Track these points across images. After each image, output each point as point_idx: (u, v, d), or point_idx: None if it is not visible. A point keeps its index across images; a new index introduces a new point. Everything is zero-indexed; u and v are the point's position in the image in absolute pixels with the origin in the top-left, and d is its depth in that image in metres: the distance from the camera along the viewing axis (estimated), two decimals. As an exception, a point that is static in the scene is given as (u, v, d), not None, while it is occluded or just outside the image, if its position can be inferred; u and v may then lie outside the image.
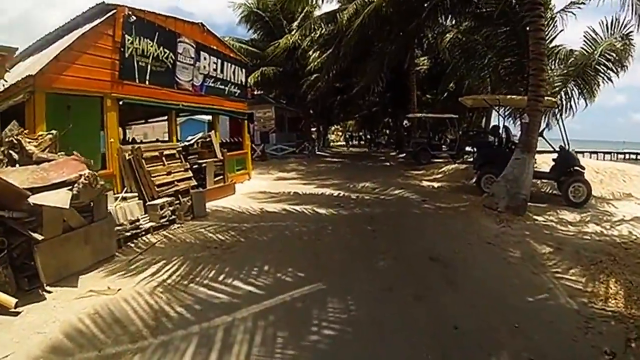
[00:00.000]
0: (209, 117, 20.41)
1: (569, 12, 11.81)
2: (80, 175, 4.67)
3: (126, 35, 7.70)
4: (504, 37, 12.52)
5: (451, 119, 18.85)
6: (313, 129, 34.27)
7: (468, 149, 17.29)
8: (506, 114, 13.90)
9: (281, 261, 4.75)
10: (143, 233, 6.15)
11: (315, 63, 20.45)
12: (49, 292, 3.99)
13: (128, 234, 5.87)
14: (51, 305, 3.72)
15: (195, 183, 8.22)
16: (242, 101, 12.75)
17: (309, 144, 24.75)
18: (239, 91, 12.22)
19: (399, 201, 9.06)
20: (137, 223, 6.09)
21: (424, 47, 22.92)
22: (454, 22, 16.58)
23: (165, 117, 9.99)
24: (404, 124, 24.34)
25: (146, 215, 6.49)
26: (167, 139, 10.19)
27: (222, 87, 11.29)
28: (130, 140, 16.82)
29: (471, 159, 13.41)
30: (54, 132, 5.64)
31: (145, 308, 3.63)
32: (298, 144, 24.06)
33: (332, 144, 47.33)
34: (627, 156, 32.64)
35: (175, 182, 7.68)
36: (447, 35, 15.73)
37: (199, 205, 7.33)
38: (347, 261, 4.85)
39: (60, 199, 4.31)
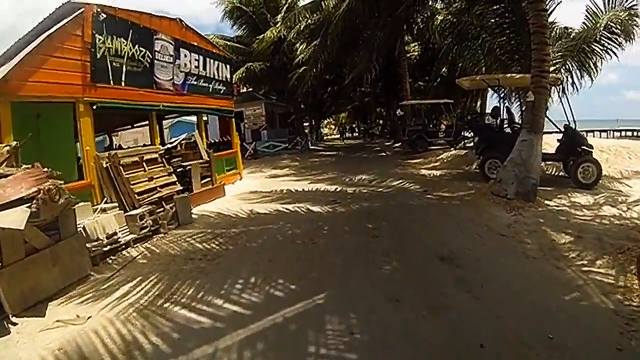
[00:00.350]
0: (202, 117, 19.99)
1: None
2: (39, 190, 4.11)
3: (97, 35, 7.12)
4: (497, 16, 11.99)
5: (446, 104, 18.30)
6: (305, 124, 33.69)
7: (466, 134, 16.80)
8: (502, 95, 13.35)
9: (272, 271, 4.22)
10: (123, 247, 5.63)
11: (303, 55, 19.80)
12: (15, 324, 3.50)
13: (106, 249, 5.35)
14: (14, 340, 3.25)
15: (180, 187, 7.67)
16: (229, 98, 12.17)
17: (301, 139, 24.15)
18: (224, 88, 11.64)
19: (398, 193, 8.51)
20: (115, 237, 5.56)
21: (414, 33, 22.27)
22: (442, 4, 16.02)
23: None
24: (397, 112, 23.79)
25: (126, 226, 5.96)
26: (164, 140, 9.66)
27: (206, 84, 10.70)
28: (116, 147, 16.24)
29: (470, 144, 12.89)
30: (12, 143, 5.06)
31: (117, 339, 3.13)
32: (290, 140, 23.48)
33: (325, 137, 46.83)
34: (622, 133, 32.20)
35: (158, 188, 7.13)
36: (438, 17, 15.12)
37: (184, 211, 6.78)
38: (346, 267, 4.28)
39: (15, 219, 3.77)
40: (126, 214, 5.96)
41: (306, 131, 31.43)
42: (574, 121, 8.38)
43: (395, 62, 20.94)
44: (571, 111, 8.47)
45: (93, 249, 5.20)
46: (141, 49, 8.18)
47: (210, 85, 10.91)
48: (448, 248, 4.54)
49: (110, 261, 5.21)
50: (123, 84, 7.75)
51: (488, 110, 21.13)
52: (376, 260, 4.35)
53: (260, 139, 22.88)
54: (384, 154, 20.19)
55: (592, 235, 4.87)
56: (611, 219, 5.68)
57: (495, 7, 12.09)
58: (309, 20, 19.11)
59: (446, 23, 14.73)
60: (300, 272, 4.15)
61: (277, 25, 19.87)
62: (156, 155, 7.57)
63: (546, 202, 6.60)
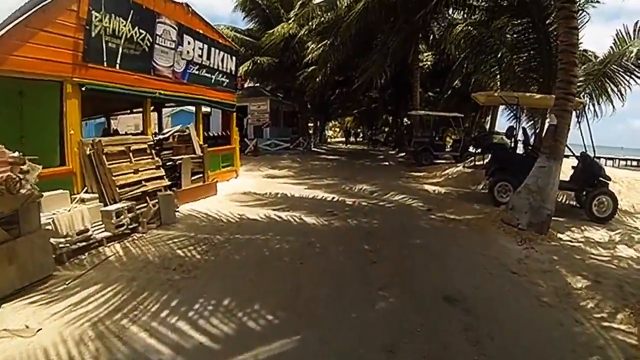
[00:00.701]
0: (204, 109, 19.43)
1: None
2: (-5, 179, 3.62)
3: (93, 12, 6.66)
4: (519, 32, 11.49)
5: (456, 118, 17.75)
6: (310, 124, 33.17)
7: (472, 150, 16.30)
8: (516, 114, 12.81)
9: (251, 295, 3.70)
10: (95, 244, 5.13)
11: (314, 55, 19.24)
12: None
13: (75, 246, 4.86)
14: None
15: (168, 183, 7.16)
16: (231, 92, 11.66)
17: (304, 140, 23.64)
18: (227, 81, 11.14)
19: (400, 210, 7.97)
20: (87, 233, 5.06)
21: (430, 42, 21.71)
22: (463, 14, 15.48)
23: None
24: (404, 121, 23.30)
25: (102, 222, 5.46)
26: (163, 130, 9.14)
27: (208, 75, 10.21)
28: (114, 131, 15.78)
29: (480, 163, 12.36)
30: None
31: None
32: (293, 139, 22.97)
33: (329, 140, 46.35)
34: (628, 162, 31.63)
35: (143, 182, 6.63)
36: (457, 27, 14.60)
37: (168, 210, 6.27)
38: (336, 300, 3.71)
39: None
40: (101, 209, 5.44)
41: (310, 132, 30.93)
42: (593, 149, 7.86)
43: (407, 70, 20.40)
44: (591, 138, 7.94)
45: (60, 245, 4.72)
46: (141, 31, 7.72)
47: (213, 77, 10.43)
48: (454, 285, 4.00)
49: (78, 261, 4.72)
50: (118, 66, 7.30)
51: (497, 128, 20.76)
52: (372, 295, 3.79)
53: (263, 136, 22.38)
54: (387, 163, 19.69)
55: (611, 281, 4.37)
56: (629, 261, 5.17)
57: (517, 21, 11.59)
58: (322, 19, 18.58)
59: (464, 34, 14.21)
60: (283, 299, 3.62)
61: (290, 21, 19.36)
62: (145, 146, 7.07)
63: (559, 235, 6.08)
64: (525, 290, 3.97)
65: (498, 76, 14.05)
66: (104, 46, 6.96)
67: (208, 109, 18.74)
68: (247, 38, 21.72)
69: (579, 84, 10.58)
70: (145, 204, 6.30)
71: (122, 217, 5.43)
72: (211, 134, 14.55)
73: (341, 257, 4.87)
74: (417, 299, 3.72)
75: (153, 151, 7.20)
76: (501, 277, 4.27)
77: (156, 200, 6.31)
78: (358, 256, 4.90)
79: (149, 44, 7.97)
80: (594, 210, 7.35)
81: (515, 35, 11.62)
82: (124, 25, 7.31)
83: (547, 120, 6.49)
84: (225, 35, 15.34)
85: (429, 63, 23.46)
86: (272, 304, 3.51)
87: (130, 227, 5.60)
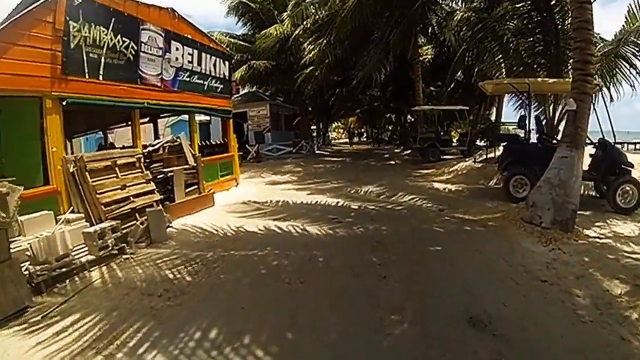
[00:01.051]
0: (204, 117, 18.99)
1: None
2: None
3: (71, 22, 6.28)
4: (521, 15, 10.94)
5: (461, 111, 17.18)
6: (313, 127, 32.71)
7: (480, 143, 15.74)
8: (526, 102, 12.17)
9: (241, 325, 3.20)
10: (78, 270, 4.69)
11: (311, 55, 18.75)
12: None
13: (54, 273, 4.42)
14: None
15: (160, 197, 6.71)
16: (226, 97, 11.20)
17: (307, 143, 23.15)
18: (221, 86, 10.70)
19: (410, 212, 7.39)
20: (68, 258, 4.62)
21: (429, 34, 21.11)
22: (461, 1, 14.94)
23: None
24: (407, 118, 22.73)
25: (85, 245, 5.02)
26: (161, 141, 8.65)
27: (200, 81, 9.78)
28: (110, 145, 15.42)
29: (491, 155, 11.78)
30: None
31: None
32: (295, 143, 22.50)
33: (333, 141, 45.88)
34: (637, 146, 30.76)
35: (132, 198, 6.17)
36: (457, 14, 13.99)
37: (157, 227, 5.81)
38: (341, 329, 3.12)
39: None
40: (83, 230, 4.99)
41: (313, 134, 30.47)
42: (613, 134, 7.28)
43: (407, 65, 19.82)
44: (610, 123, 7.36)
45: (38, 274, 4.28)
46: (124, 39, 7.32)
47: (206, 83, 9.99)
48: (479, 303, 3.43)
49: (57, 289, 4.28)
50: (101, 77, 6.91)
51: (503, 119, 20.10)
52: (383, 321, 3.22)
53: (264, 142, 21.96)
54: (392, 162, 19.11)
55: (654, 283, 3.83)
56: (668, 259, 4.62)
57: (518, 5, 11.03)
58: (317, 16, 18.11)
59: (465, 21, 13.63)
60: (277, 330, 3.11)
61: (284, 22, 18.91)
62: (134, 160, 6.62)
63: (585, 231, 5.51)
64: (560, 304, 3.42)
65: (502, 64, 13.41)
66: (85, 57, 6.58)
67: (207, 117, 18.46)
68: (243, 43, 21.30)
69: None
70: (133, 223, 5.84)
71: (105, 237, 4.97)
72: (207, 143, 14.15)
73: (346, 273, 4.31)
74: (436, 323, 3.18)
75: (142, 164, 6.74)
76: (530, 288, 3.72)
77: (145, 217, 5.85)
78: (365, 271, 4.34)
79: (133, 53, 7.56)
80: (619, 200, 6.76)
81: (515, 22, 11.06)
82: (105, 34, 6.93)
83: (566, 106, 5.93)
84: (220, 41, 14.96)
85: (429, 57, 22.86)
86: (264, 337, 3.01)
87: (117, 247, 5.15)
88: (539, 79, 9.12)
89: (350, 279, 4.12)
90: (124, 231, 5.47)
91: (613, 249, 4.94)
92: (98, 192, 5.73)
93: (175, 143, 7.92)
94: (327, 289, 3.89)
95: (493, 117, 21.73)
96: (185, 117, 18.60)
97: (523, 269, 4.16)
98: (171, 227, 6.63)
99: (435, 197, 8.72)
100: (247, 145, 20.61)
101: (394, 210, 7.67)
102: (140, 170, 6.68)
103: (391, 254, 4.82)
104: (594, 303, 3.45)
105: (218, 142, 13.98)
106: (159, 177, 7.10)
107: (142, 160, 6.84)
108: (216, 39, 14.14)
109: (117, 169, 6.24)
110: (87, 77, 6.61)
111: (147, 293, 3.96)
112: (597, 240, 5.26)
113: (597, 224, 6.04)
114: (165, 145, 7.80)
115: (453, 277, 4.07)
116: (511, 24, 12.04)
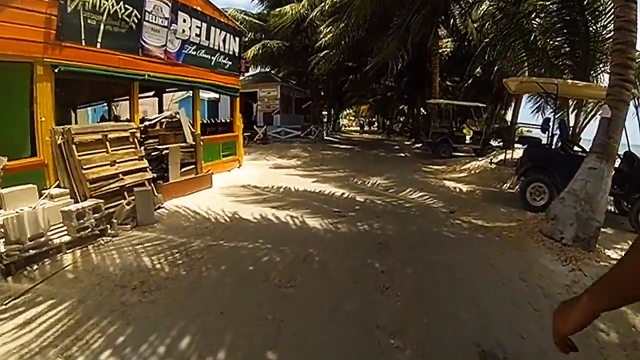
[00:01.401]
0: (214, 95, 18.51)
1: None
2: None
3: (68, -16, 5.81)
4: (552, 11, 10.28)
5: (477, 108, 16.52)
6: (324, 112, 32.13)
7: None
8: (551, 105, 11.50)
9: (218, 334, 2.80)
10: (53, 251, 4.32)
11: (326, 38, 18.10)
12: None
13: (27, 254, 4.06)
14: None
15: (152, 175, 6.31)
16: (234, 75, 10.72)
17: (316, 128, 22.61)
18: (230, 63, 10.20)
19: (419, 212, 6.90)
20: (43, 238, 4.25)
21: (450, 26, 20.29)
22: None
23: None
24: (421, 111, 22.09)
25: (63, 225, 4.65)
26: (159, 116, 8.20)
27: (208, 56, 9.29)
28: (114, 118, 14.98)
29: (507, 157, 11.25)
30: None
31: None
32: (304, 127, 21.99)
33: (344, 128, 45.30)
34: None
35: (121, 175, 5.78)
36: (481, 6, 13.28)
37: (145, 208, 5.42)
38: (329, 352, 2.67)
39: None
40: (61, 209, 4.61)
41: (323, 120, 29.91)
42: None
43: (425, 56, 19.12)
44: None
45: (10, 253, 3.93)
46: (127, 6, 6.86)
47: (213, 58, 9.51)
48: (493, 333, 2.93)
49: (26, 273, 3.92)
50: (99, 45, 6.46)
51: (520, 119, 19.39)
52: (381, 346, 2.74)
53: (272, 124, 21.49)
54: (402, 154, 18.56)
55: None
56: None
57: (548, 2, 10.36)
58: (335, -1, 17.40)
59: (490, 16, 12.94)
60: (257, 346, 2.67)
61: (301, 1, 18.25)
62: (127, 134, 6.20)
63: (606, 252, 5.02)
64: (584, 339, 2.97)
65: (525, 63, 12.74)
66: (82, 22, 6.13)
67: (216, 95, 17.97)
68: (257, 21, 20.71)
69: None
70: (119, 202, 5.46)
71: (85, 218, 4.59)
72: (212, 121, 13.70)
73: (344, 279, 3.84)
74: (442, 355, 2.72)
75: (136, 140, 6.33)
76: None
77: (132, 197, 5.46)
78: (366, 279, 3.86)
79: (136, 21, 7.10)
80: (642, 220, 6.26)
81: (545, 17, 10.39)
82: (107, 0, 6.46)
83: (599, 112, 5.40)
84: (234, 18, 14.40)
85: (448, 50, 22.10)
86: (242, 353, 2.60)
87: (98, 229, 4.77)
88: (569, 81, 8.49)
89: (348, 287, 3.64)
90: (109, 211, 5.09)
91: (638, 273, 4.46)
92: (84, 167, 5.34)
93: (174, 119, 7.47)
94: (320, 298, 3.42)
95: (508, 118, 21.06)
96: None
97: (541, 291, 3.69)
98: (163, 207, 6.26)
99: (446, 196, 8.22)
100: (255, 126, 20.16)
101: (402, 207, 7.21)
102: (133, 145, 6.28)
103: (396, 261, 4.34)
104: (622, 344, 3.00)
105: (223, 121, 13.53)
106: (153, 154, 6.69)
107: (137, 135, 6.43)
108: (230, 15, 13.60)
109: (107, 143, 5.84)
110: (83, 44, 6.17)
111: (121, 284, 3.57)
112: (620, 262, 4.78)
113: (619, 244, 5.53)
114: (162, 120, 7.35)
115: (463, 296, 3.57)
116: (539, 21, 11.37)
